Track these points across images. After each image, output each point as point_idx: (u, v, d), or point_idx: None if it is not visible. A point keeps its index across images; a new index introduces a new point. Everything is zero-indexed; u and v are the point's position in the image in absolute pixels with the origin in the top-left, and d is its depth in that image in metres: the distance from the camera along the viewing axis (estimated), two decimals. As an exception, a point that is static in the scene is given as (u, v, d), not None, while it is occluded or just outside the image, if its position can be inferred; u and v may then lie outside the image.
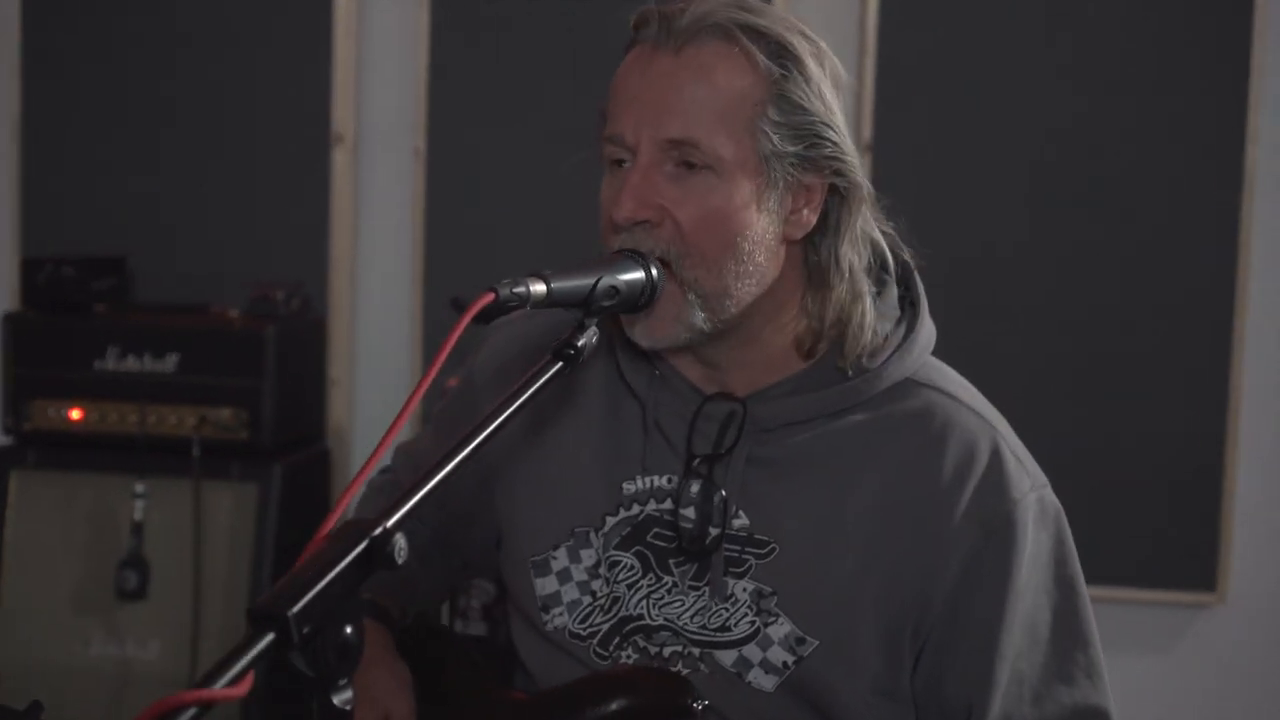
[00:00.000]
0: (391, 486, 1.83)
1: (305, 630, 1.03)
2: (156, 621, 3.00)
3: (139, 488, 3.00)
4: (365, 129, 3.33)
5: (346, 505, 1.14)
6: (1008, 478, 1.49)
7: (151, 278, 3.34)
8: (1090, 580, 1.55)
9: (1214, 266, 3.05)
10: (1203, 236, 3.05)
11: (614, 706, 1.53)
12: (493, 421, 1.24)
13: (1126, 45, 3.05)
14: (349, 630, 1.07)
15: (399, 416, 1.17)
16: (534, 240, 3.22)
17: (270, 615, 1.02)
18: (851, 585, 1.48)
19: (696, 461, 1.52)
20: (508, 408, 1.26)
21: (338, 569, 1.06)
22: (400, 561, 1.09)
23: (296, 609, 1.02)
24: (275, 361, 3.05)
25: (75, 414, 3.09)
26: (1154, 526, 3.09)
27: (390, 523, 1.12)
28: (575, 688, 1.57)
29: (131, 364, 3.07)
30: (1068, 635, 1.51)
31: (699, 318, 1.47)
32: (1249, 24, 2.99)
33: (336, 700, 1.06)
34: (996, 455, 1.50)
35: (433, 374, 1.20)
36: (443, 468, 1.19)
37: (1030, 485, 1.51)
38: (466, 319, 1.23)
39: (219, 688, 0.97)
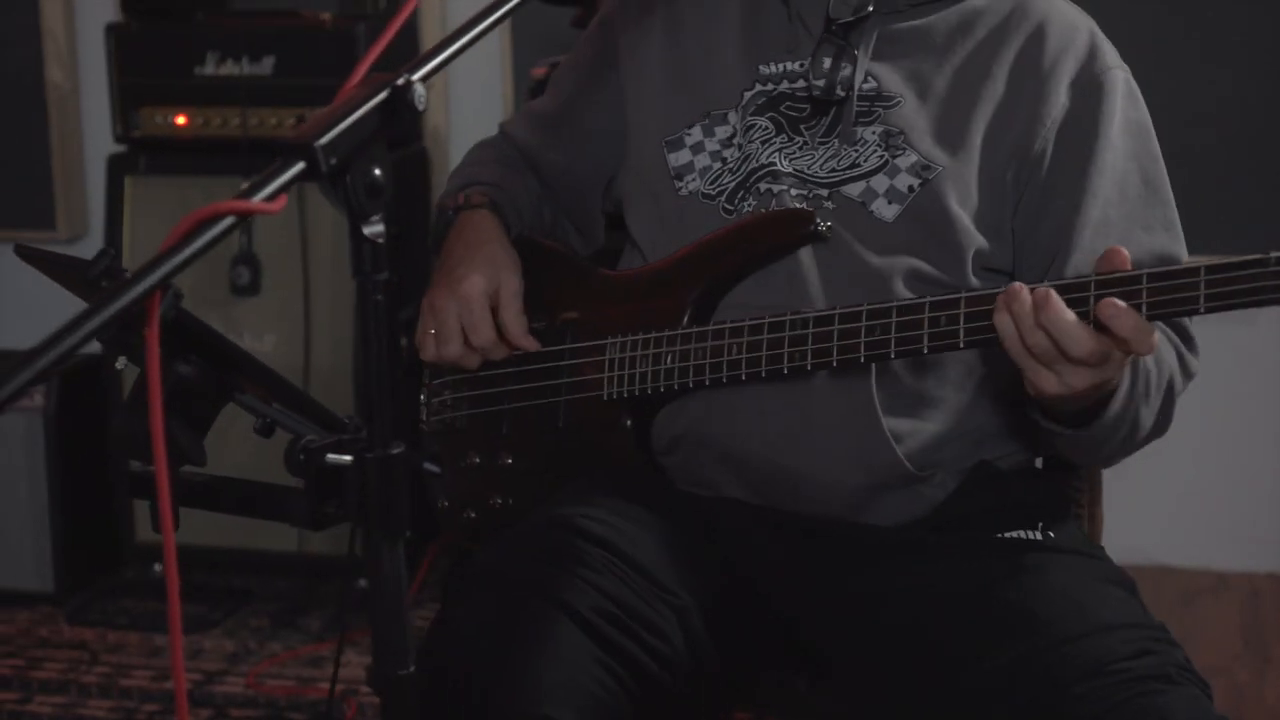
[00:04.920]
0: (503, 143, 1.98)
1: (333, 162, 1.12)
2: (271, 315, 3.16)
3: (245, 188, 3.11)
4: None
5: (375, 56, 1.22)
6: (1103, 52, 1.69)
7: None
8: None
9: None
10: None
11: (740, 252, 1.67)
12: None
13: None
14: (377, 172, 1.16)
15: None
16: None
17: (300, 146, 1.11)
18: (968, 129, 1.65)
19: (834, 26, 1.67)
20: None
21: (362, 110, 1.15)
22: (420, 109, 1.17)
23: (323, 140, 1.11)
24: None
25: (180, 119, 3.20)
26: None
27: (416, 75, 1.19)
28: (697, 249, 1.70)
29: (230, 68, 3.17)
30: (1152, 195, 1.67)
31: None
32: None
33: (367, 231, 1.15)
34: (1094, 35, 1.70)
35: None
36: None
37: (1120, 65, 1.70)
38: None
39: (256, 201, 1.07)
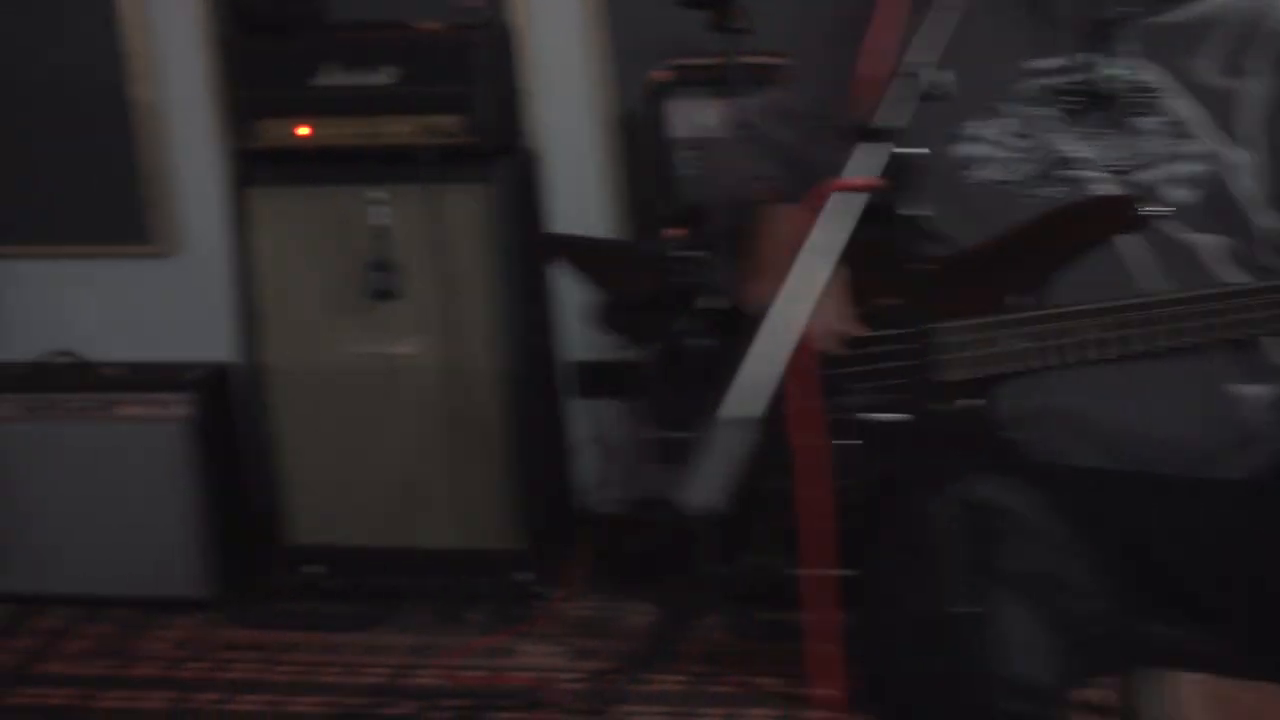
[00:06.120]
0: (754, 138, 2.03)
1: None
2: (411, 318, 3.25)
3: (373, 194, 3.19)
4: None
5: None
6: None
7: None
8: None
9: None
10: None
11: (1071, 236, 1.76)
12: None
13: None
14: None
15: None
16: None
17: (881, 130, 1.24)
18: (1243, 118, 1.75)
19: (1093, 25, 1.77)
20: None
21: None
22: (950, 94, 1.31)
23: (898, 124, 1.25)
24: (485, 68, 3.22)
25: (303, 130, 3.26)
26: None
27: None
28: (1021, 234, 1.78)
29: (350, 78, 3.24)
30: None
31: None
32: None
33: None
34: None
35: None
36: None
37: None
38: None
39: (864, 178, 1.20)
